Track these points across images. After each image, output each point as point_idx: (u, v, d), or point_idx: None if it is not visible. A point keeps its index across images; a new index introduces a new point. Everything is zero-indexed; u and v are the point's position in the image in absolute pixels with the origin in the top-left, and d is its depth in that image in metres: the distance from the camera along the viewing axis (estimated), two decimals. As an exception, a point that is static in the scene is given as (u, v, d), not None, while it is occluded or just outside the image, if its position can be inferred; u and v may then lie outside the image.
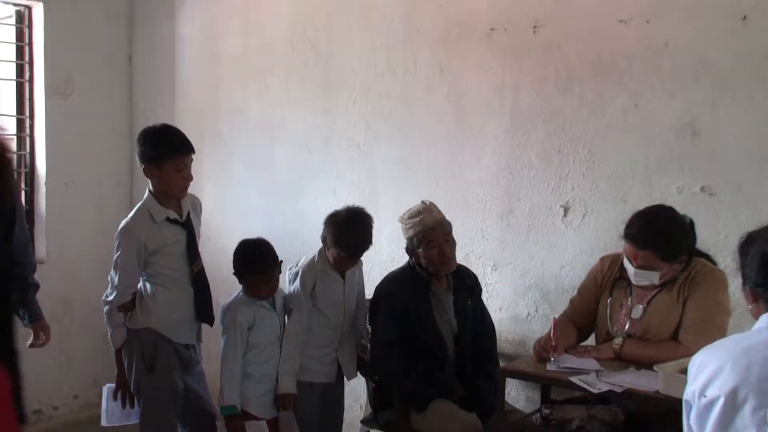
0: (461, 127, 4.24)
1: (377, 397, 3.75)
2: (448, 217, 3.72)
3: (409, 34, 4.38)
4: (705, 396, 2.13)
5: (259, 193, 5.10)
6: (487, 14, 4.11)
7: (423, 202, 3.68)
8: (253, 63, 5.09)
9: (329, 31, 4.72)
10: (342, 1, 4.66)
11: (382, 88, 4.49)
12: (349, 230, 3.60)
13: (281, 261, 3.68)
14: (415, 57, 4.36)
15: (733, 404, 2.07)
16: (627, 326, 3.26)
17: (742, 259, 2.22)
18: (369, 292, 3.87)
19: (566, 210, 3.95)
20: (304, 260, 3.71)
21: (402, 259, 3.87)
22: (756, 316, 2.19)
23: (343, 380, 3.84)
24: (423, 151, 4.38)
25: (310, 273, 3.65)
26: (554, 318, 3.37)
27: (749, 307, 2.22)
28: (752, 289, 2.18)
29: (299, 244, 4.63)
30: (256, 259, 3.62)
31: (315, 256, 3.69)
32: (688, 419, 2.21)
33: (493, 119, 4.13)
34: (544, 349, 3.22)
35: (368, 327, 3.88)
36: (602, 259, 3.48)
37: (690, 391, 2.20)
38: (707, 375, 2.14)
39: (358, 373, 3.87)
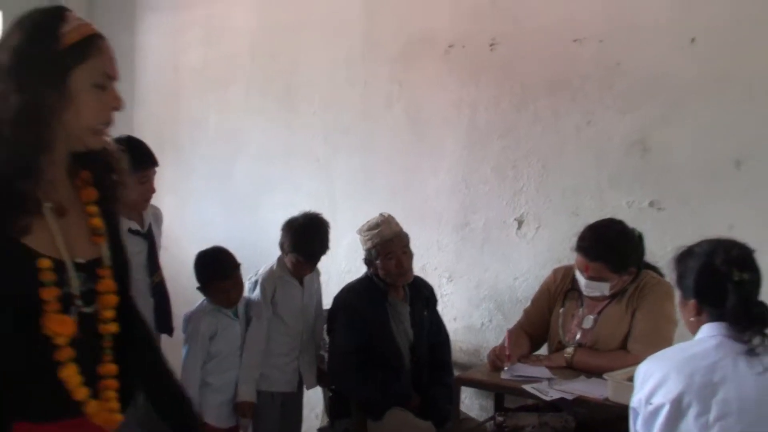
0: (419, 142, 4.33)
1: (334, 406, 3.79)
2: (405, 230, 3.78)
3: (369, 50, 4.47)
4: (651, 403, 2.22)
5: (219, 204, 5.13)
6: (445, 32, 4.21)
7: (381, 214, 3.75)
8: (213, 74, 5.13)
9: (290, 45, 4.79)
10: (303, 15, 4.73)
11: (342, 102, 4.57)
12: (306, 235, 3.67)
13: (240, 264, 3.72)
14: (375, 72, 4.44)
15: (677, 411, 2.16)
16: (578, 336, 3.35)
17: (679, 272, 2.32)
18: (327, 303, 3.92)
19: (520, 223, 4.05)
20: (263, 269, 3.76)
21: (360, 270, 3.92)
22: (695, 329, 2.29)
23: (302, 389, 3.88)
24: (381, 164, 4.46)
25: (269, 280, 3.71)
26: (508, 329, 3.45)
27: (691, 320, 2.31)
28: (696, 302, 2.28)
29: (258, 256, 4.62)
30: (217, 265, 3.64)
31: (274, 264, 3.75)
32: (635, 425, 2.31)
33: (450, 134, 4.22)
34: (498, 358, 3.30)
35: (326, 337, 3.93)
36: (555, 271, 3.58)
37: (636, 399, 2.29)
38: (653, 383, 2.24)
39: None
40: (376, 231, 3.65)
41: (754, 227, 3.48)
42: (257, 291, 3.70)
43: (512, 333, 3.39)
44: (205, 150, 5.20)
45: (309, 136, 4.71)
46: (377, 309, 3.69)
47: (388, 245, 3.63)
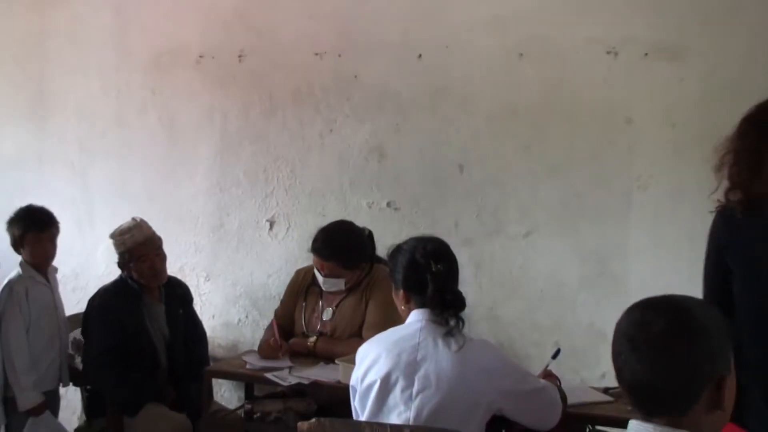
0: (174, 148, 4.49)
1: (91, 405, 3.88)
2: (162, 233, 3.91)
3: (121, 59, 4.56)
4: (365, 381, 2.54)
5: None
6: (196, 43, 4.40)
7: (133, 218, 3.85)
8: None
9: (39, 52, 4.78)
10: (51, 22, 4.73)
11: (96, 110, 4.63)
12: None
13: None
14: (128, 80, 4.55)
15: (386, 386, 2.49)
16: (319, 326, 3.65)
17: (391, 267, 2.65)
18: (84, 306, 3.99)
19: (272, 224, 4.32)
20: (10, 275, 3.78)
21: (117, 273, 4.01)
22: (406, 315, 2.62)
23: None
24: (137, 170, 4.58)
25: (19, 282, 3.73)
26: (274, 320, 3.70)
27: (402, 308, 2.64)
28: (404, 292, 2.61)
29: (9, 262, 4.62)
30: None
31: (18, 269, 3.78)
32: (354, 401, 2.62)
33: (204, 140, 4.42)
34: (273, 349, 3.53)
35: (81, 338, 3.99)
36: (297, 272, 3.87)
37: (354, 378, 2.61)
38: (368, 363, 2.56)
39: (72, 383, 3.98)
40: (128, 235, 3.76)
41: (476, 224, 3.95)
42: (4, 295, 3.71)
43: (278, 326, 3.64)
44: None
45: (63, 143, 4.72)
46: (132, 309, 3.79)
47: (140, 248, 3.75)
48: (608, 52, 3.69)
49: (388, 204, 4.10)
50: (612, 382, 3.27)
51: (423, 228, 3.99)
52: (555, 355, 3.11)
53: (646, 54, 3.63)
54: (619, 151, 3.73)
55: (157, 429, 3.65)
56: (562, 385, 2.80)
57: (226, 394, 4.33)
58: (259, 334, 4.27)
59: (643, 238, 3.71)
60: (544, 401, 2.58)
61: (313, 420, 2.36)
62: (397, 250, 2.65)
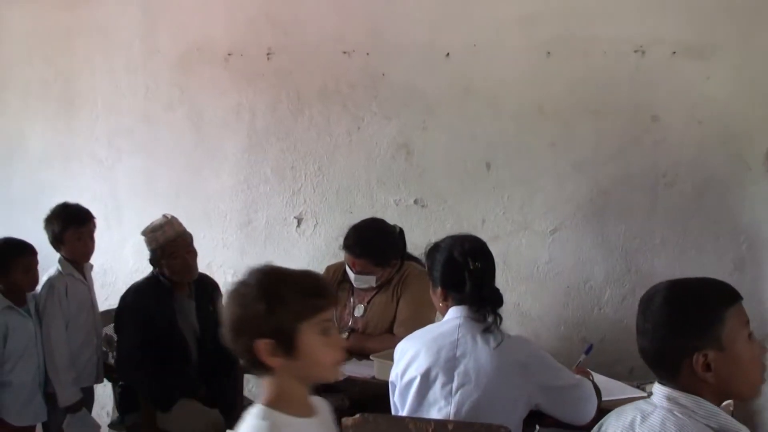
0: (201, 145, 4.54)
1: (123, 401, 3.92)
2: (190, 229, 3.94)
3: (149, 56, 4.61)
4: (405, 377, 2.60)
5: (-3, 208, 5.07)
6: (224, 40, 4.44)
7: (164, 215, 3.89)
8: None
9: (68, 50, 4.83)
10: (80, 20, 4.78)
11: (124, 107, 4.68)
12: None
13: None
14: (156, 77, 4.60)
15: (426, 382, 2.55)
16: (350, 323, 3.70)
17: (429, 264, 2.70)
18: (116, 301, 4.04)
19: (299, 221, 4.36)
20: (50, 272, 3.83)
21: (146, 269, 4.05)
22: (444, 312, 2.67)
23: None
24: (165, 166, 4.63)
25: (59, 279, 3.79)
26: None
27: (440, 305, 2.69)
28: (442, 289, 2.66)
29: (41, 258, 4.67)
30: (18, 247, 3.68)
31: (57, 266, 3.83)
32: (393, 397, 2.68)
33: (231, 138, 4.46)
34: None
35: (113, 335, 4.05)
36: (327, 268, 3.91)
37: (394, 374, 2.66)
38: (407, 359, 2.61)
39: (105, 379, 4.04)
40: (160, 232, 3.80)
41: (502, 221, 4.00)
42: (46, 291, 3.76)
43: None
44: (-19, 155, 5.12)
45: (92, 140, 4.78)
46: (163, 306, 3.84)
47: (172, 245, 3.79)
48: (636, 51, 3.72)
49: (415, 201, 4.14)
50: (639, 377, 3.37)
51: (450, 225, 4.05)
52: (588, 351, 3.16)
53: (674, 53, 3.66)
54: (645, 149, 3.77)
55: (191, 424, 3.69)
56: (594, 380, 2.86)
57: (254, 389, 4.37)
58: (286, 330, 4.34)
59: (668, 234, 3.75)
60: (580, 396, 2.63)
61: (357, 416, 2.41)
62: (434, 248, 2.70)
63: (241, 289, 1.77)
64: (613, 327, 3.84)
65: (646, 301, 1.81)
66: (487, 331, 2.56)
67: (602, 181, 3.84)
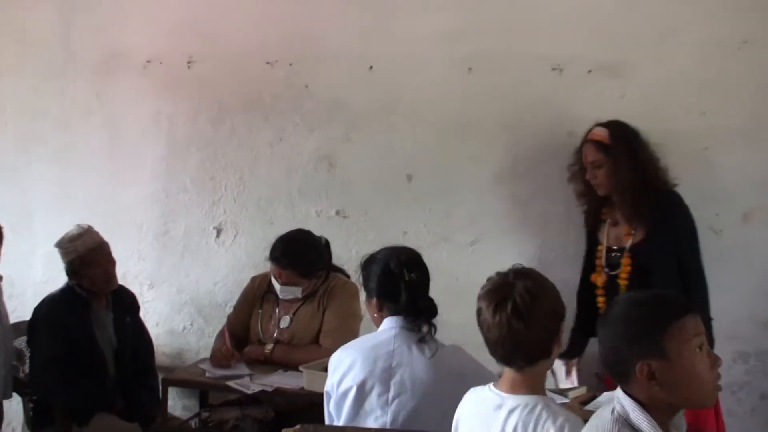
0: (118, 153, 4.45)
1: (37, 416, 3.80)
2: (105, 239, 3.87)
3: (65, 62, 4.48)
4: (341, 387, 2.61)
5: None
6: (143, 47, 4.37)
7: (80, 225, 3.79)
8: None
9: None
10: (-4, 21, 4.63)
11: (38, 112, 4.54)
12: None
13: None
14: (73, 84, 4.48)
15: (362, 392, 2.57)
16: (276, 334, 3.70)
17: (365, 276, 2.73)
18: (24, 313, 3.92)
19: (219, 231, 4.33)
20: None
21: (57, 280, 3.95)
22: (379, 323, 2.70)
23: None
24: (79, 175, 4.50)
25: None
26: (225, 327, 3.72)
27: (375, 315, 2.72)
28: (378, 300, 2.69)
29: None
30: None
31: None
32: (329, 407, 2.68)
33: (150, 146, 4.39)
34: (225, 357, 3.55)
35: (25, 348, 3.92)
36: (253, 279, 3.91)
37: (329, 384, 2.67)
38: (343, 369, 2.63)
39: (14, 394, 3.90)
40: (79, 241, 3.71)
41: (423, 232, 4.06)
42: None
43: (230, 334, 3.67)
44: None
45: (2, 145, 4.61)
46: (80, 318, 3.75)
47: (92, 254, 3.71)
48: (554, 69, 3.85)
49: (337, 212, 4.17)
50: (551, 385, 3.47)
51: (371, 236, 4.09)
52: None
53: (590, 71, 3.81)
54: (562, 163, 3.88)
55: (109, 439, 3.63)
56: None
57: (171, 401, 4.28)
58: (205, 342, 4.31)
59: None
60: (511, 404, 2.70)
61: (297, 426, 2.41)
62: (370, 259, 2.73)
63: None
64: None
65: (606, 312, 1.90)
66: (422, 341, 2.60)
67: (521, 194, 3.96)
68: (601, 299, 3.44)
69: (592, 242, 3.56)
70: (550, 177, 3.90)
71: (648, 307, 1.84)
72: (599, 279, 3.45)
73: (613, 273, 3.40)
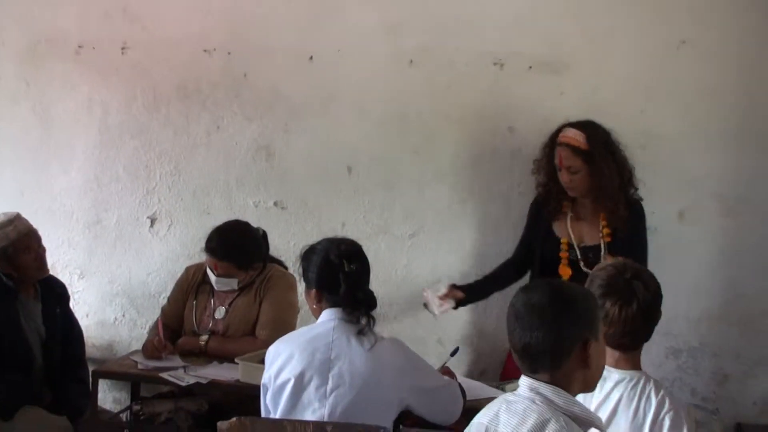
0: (48, 140, 4.32)
1: (-40, 411, 3.68)
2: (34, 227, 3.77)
3: (-7, 47, 4.34)
4: (279, 379, 2.57)
5: None
6: (74, 32, 4.25)
7: (5, 213, 3.66)
8: None
9: None
10: None
11: (-36, 100, 4.38)
12: None
13: None
14: (1, 69, 4.33)
15: (300, 384, 2.53)
16: (210, 325, 3.63)
17: (304, 266, 2.69)
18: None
19: (153, 221, 4.24)
20: None
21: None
22: (318, 314, 2.67)
23: None
24: (7, 163, 4.37)
25: None
26: (159, 319, 3.63)
27: (314, 306, 2.69)
28: (317, 291, 2.66)
29: None
30: None
31: None
32: (265, 399, 2.64)
33: (82, 134, 4.28)
34: (157, 349, 3.47)
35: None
36: (187, 269, 3.82)
37: (266, 376, 2.63)
38: (280, 362, 2.59)
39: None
40: (10, 227, 3.57)
41: (363, 224, 4.04)
42: None
43: (163, 325, 3.58)
44: None
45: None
46: (7, 308, 3.62)
47: (24, 240, 3.57)
48: (495, 64, 3.87)
49: (275, 203, 4.12)
50: (497, 379, 3.50)
51: (310, 227, 4.06)
52: (453, 353, 3.24)
53: (530, 67, 3.84)
54: (502, 158, 3.92)
55: (36, 432, 3.52)
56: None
57: (100, 394, 4.18)
58: (137, 333, 4.23)
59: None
60: (449, 397, 2.70)
61: (234, 419, 2.37)
62: (310, 250, 2.70)
63: None
64: (464, 328, 3.97)
65: (530, 302, 1.93)
66: (361, 333, 2.58)
67: (460, 189, 3.97)
68: None
69: (545, 233, 3.57)
70: (490, 172, 3.93)
71: (583, 290, 2.03)
72: (566, 271, 3.47)
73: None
